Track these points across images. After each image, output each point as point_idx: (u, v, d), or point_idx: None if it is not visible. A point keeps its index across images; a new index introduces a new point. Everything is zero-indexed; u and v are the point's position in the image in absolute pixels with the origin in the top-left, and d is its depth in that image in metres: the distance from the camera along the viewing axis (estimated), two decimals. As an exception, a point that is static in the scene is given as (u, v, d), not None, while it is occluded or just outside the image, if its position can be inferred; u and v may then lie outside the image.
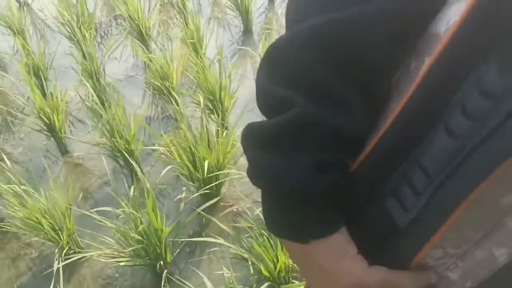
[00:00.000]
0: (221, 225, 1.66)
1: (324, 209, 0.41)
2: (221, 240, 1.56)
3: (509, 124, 0.30)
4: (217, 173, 1.82)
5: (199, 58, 2.34)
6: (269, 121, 0.39)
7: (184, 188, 1.94)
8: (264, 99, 0.41)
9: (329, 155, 0.39)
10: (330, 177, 0.39)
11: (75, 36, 2.81)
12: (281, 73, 0.39)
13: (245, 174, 1.88)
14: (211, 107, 2.21)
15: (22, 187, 1.72)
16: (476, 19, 0.32)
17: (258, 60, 2.65)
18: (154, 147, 2.13)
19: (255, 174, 0.41)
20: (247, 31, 2.96)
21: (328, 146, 0.38)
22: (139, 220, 1.59)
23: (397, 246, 0.41)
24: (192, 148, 1.81)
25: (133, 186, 1.77)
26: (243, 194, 1.94)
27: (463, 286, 0.40)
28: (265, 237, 1.52)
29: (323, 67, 0.37)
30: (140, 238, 1.57)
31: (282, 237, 0.44)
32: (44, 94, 2.36)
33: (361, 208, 0.42)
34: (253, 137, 0.41)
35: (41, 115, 2.16)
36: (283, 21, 3.04)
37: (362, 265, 0.42)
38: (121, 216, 1.67)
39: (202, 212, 1.76)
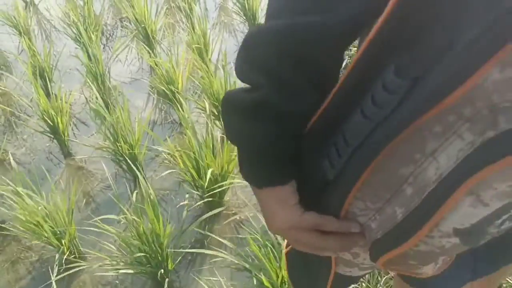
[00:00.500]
0: (222, 240, 1.64)
1: (275, 165, 0.53)
2: (222, 253, 1.54)
3: (399, 111, 0.42)
4: (222, 183, 1.80)
5: (204, 63, 2.33)
6: (243, 95, 0.49)
7: (187, 195, 1.92)
8: (241, 76, 0.51)
9: (281, 127, 0.50)
10: (282, 143, 0.51)
11: (81, 38, 2.80)
12: (253, 59, 0.49)
13: (247, 187, 1.87)
14: (216, 113, 2.19)
15: (23, 190, 1.70)
16: (391, 23, 0.41)
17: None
18: (157, 152, 2.11)
19: (230, 134, 0.53)
20: (253, 37, 2.95)
21: (281, 122, 0.50)
22: (141, 227, 1.57)
23: (328, 196, 0.53)
24: (196, 155, 1.79)
25: (135, 192, 1.76)
26: (247, 202, 1.93)
27: (376, 235, 0.52)
28: (268, 248, 1.50)
29: (284, 62, 0.46)
30: (141, 245, 1.56)
31: (247, 181, 0.57)
32: (48, 95, 2.35)
33: (304, 164, 0.54)
34: (230, 104, 0.51)
35: (44, 116, 2.15)
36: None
37: (298, 212, 0.54)
38: (122, 222, 1.65)
39: (204, 216, 1.75)
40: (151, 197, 1.65)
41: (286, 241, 0.87)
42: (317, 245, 0.57)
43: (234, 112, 0.51)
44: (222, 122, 2.19)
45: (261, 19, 3.03)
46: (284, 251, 0.87)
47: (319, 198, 0.54)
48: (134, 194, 1.74)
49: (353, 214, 0.53)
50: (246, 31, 2.98)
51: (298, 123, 0.51)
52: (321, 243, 0.56)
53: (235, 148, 1.94)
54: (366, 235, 0.54)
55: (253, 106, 0.49)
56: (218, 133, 1.94)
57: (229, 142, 1.81)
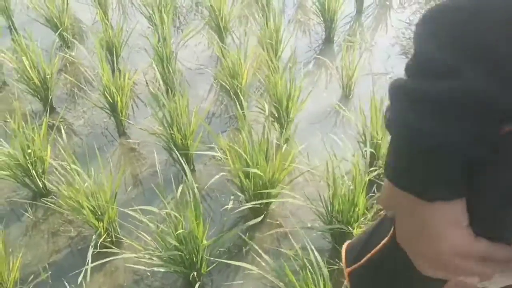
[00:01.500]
0: (261, 251, 1.54)
1: (458, 175, 0.46)
2: (255, 269, 1.44)
3: None
4: (270, 191, 1.70)
5: (272, 61, 2.22)
6: (426, 84, 0.44)
7: (232, 197, 1.84)
8: (425, 61, 0.44)
9: (486, 128, 0.42)
10: (478, 148, 0.44)
11: (154, 18, 2.78)
12: (452, 41, 0.42)
13: (298, 195, 1.77)
14: (276, 115, 2.09)
15: (72, 166, 1.68)
16: None
17: (334, 72, 2.50)
18: (211, 146, 2.04)
19: (397, 123, 0.47)
20: (328, 40, 2.81)
21: (486, 121, 0.42)
22: (180, 225, 1.51)
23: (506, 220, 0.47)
24: (248, 157, 1.70)
25: (180, 186, 1.69)
26: (292, 215, 1.82)
27: None
28: (308, 270, 1.39)
29: (507, 43, 0.39)
30: (177, 244, 1.49)
31: (404, 188, 0.49)
32: (113, 72, 2.34)
33: (480, 179, 0.47)
34: (409, 95, 0.45)
35: (105, 93, 2.14)
36: (367, 35, 2.86)
37: (470, 237, 0.48)
38: (163, 215, 1.59)
39: (247, 223, 1.66)
40: (195, 196, 1.58)
41: (344, 257, 0.85)
42: (476, 272, 0.51)
43: (411, 102, 0.45)
44: (280, 128, 2.10)
45: (339, 21, 2.88)
46: (346, 270, 0.84)
47: (490, 223, 0.49)
48: (180, 188, 1.67)
49: None
50: (322, 32, 2.85)
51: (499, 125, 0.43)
52: (481, 270, 0.51)
53: (290, 157, 1.85)
54: None
55: (447, 98, 0.42)
56: (274, 137, 1.84)
57: (285, 152, 1.72)
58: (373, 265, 0.81)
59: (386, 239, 0.74)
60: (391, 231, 0.71)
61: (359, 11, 3.09)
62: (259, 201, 1.68)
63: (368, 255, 0.80)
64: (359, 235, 0.95)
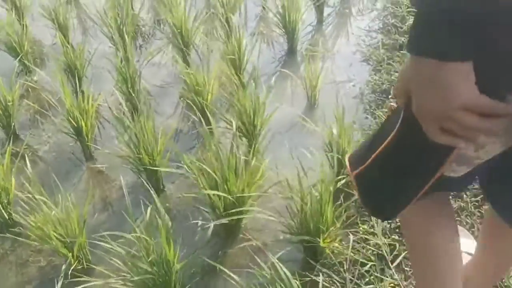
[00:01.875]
0: (233, 269, 1.54)
1: (470, 39, 0.59)
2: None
3: None
4: (239, 209, 1.71)
5: (236, 76, 2.24)
6: None
7: (202, 216, 1.83)
8: None
9: None
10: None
11: (117, 37, 2.77)
12: None
13: (269, 209, 1.78)
14: (243, 130, 2.10)
15: (38, 197, 1.66)
16: None
17: (298, 83, 2.53)
18: (179, 165, 2.04)
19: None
20: (291, 50, 2.84)
21: None
22: (151, 247, 1.50)
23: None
24: (217, 174, 1.71)
25: (149, 208, 1.68)
26: (264, 229, 1.83)
27: None
28: (279, 285, 1.40)
29: None
30: (149, 268, 1.48)
31: (426, 53, 0.62)
32: (77, 94, 2.32)
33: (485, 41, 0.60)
34: None
35: (69, 117, 2.11)
36: (329, 44, 2.91)
37: (476, 91, 0.62)
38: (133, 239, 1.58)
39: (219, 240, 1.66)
40: (165, 217, 1.57)
41: (348, 165, 1.00)
42: (477, 126, 0.64)
43: None
44: (248, 141, 2.11)
45: (301, 31, 2.92)
46: (352, 174, 0.97)
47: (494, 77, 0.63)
48: (148, 210, 1.66)
49: None
50: (285, 43, 2.89)
51: None
52: (483, 125, 0.64)
53: (260, 170, 1.86)
54: None
55: None
56: (242, 152, 1.85)
57: (253, 166, 1.74)
58: (379, 163, 0.92)
59: (391, 135, 0.86)
60: (398, 125, 0.84)
61: (320, 20, 3.14)
62: (229, 218, 1.68)
63: (373, 156, 0.92)
64: (361, 144, 1.08)
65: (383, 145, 0.89)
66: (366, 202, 1.03)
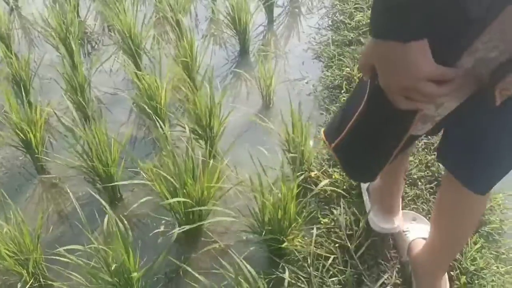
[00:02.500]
0: (197, 272, 1.52)
1: (425, 18, 0.68)
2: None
3: None
4: (201, 208, 1.69)
5: (190, 78, 2.22)
6: None
7: (163, 221, 1.80)
8: None
9: None
10: None
11: (63, 45, 2.68)
12: None
13: (230, 210, 1.77)
14: (199, 132, 2.08)
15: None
16: None
17: (252, 83, 2.54)
18: (135, 172, 1.99)
19: None
20: (243, 51, 2.84)
21: None
22: (109, 258, 1.46)
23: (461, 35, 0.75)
24: (174, 179, 1.68)
25: (107, 217, 1.63)
26: (227, 230, 1.81)
27: (499, 59, 0.75)
28: (244, 286, 1.39)
29: None
30: (110, 278, 1.44)
31: (388, 37, 0.72)
32: (24, 105, 2.22)
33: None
34: None
35: (17, 130, 2.03)
36: (280, 43, 2.93)
37: (434, 64, 0.73)
38: (91, 251, 1.53)
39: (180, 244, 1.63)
40: (123, 225, 1.53)
41: (325, 138, 1.17)
42: (436, 93, 0.75)
43: None
44: (205, 145, 2.09)
45: (252, 32, 2.93)
46: (330, 147, 1.11)
47: (447, 44, 0.76)
48: (105, 220, 1.61)
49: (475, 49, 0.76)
50: (236, 44, 2.89)
51: None
52: (441, 91, 0.76)
53: (217, 172, 1.84)
54: (480, 71, 0.78)
55: None
56: (200, 154, 1.83)
57: (212, 168, 1.72)
58: (355, 133, 1.04)
59: (361, 106, 0.98)
60: (366, 97, 0.95)
61: (270, 20, 3.16)
62: (190, 225, 1.66)
63: (347, 127, 1.04)
64: (332, 117, 1.25)
65: (355, 116, 1.01)
66: (348, 170, 1.18)
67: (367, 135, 1.02)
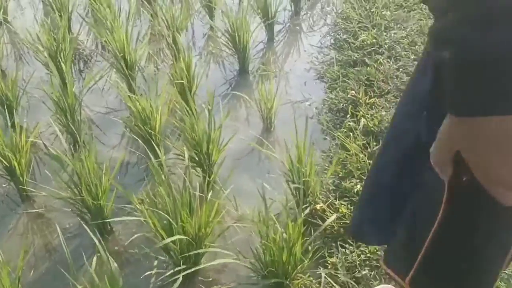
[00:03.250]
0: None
1: None
2: None
3: None
4: (199, 251, 1.54)
5: (187, 101, 2.09)
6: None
7: (155, 262, 1.65)
8: None
9: None
10: None
11: (53, 63, 2.54)
12: None
13: (229, 248, 1.63)
14: (197, 159, 1.95)
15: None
16: None
17: (252, 104, 2.41)
18: (127, 202, 1.85)
19: (461, 48, 0.53)
20: (243, 71, 2.72)
21: None
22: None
23: None
24: (170, 214, 1.54)
25: (95, 257, 1.48)
26: (226, 269, 1.67)
27: None
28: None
29: None
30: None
31: (489, 111, 0.54)
32: (9, 129, 2.08)
33: None
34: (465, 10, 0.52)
35: (0, 157, 1.88)
36: (281, 63, 2.82)
37: None
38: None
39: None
40: (112, 265, 1.39)
41: (392, 272, 0.86)
42: None
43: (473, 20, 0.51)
44: (203, 173, 1.96)
45: (252, 50, 2.81)
46: (406, 281, 0.81)
47: None
48: (94, 260, 1.46)
49: None
50: (236, 63, 2.76)
51: None
52: None
53: (215, 206, 1.71)
54: None
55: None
56: (197, 184, 1.69)
57: (210, 202, 1.58)
58: (438, 255, 0.76)
59: (439, 218, 0.71)
60: (445, 203, 0.69)
61: (270, 38, 3.05)
62: (187, 270, 1.51)
63: (424, 250, 0.76)
64: (391, 244, 0.90)
65: (431, 234, 0.74)
66: None
67: (459, 252, 0.77)
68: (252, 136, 2.24)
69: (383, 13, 3.02)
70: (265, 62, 2.83)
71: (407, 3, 3.17)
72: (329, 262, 1.62)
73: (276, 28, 3.11)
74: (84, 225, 1.81)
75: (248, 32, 2.61)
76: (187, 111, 1.96)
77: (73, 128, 2.13)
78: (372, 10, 3.07)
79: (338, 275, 1.55)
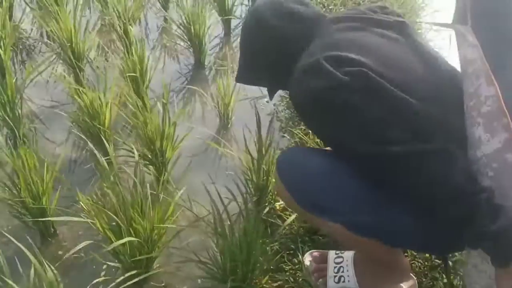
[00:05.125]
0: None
1: None
2: None
3: None
4: (151, 255, 1.43)
5: (139, 95, 1.97)
6: None
7: (104, 267, 1.53)
8: None
9: None
10: None
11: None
12: None
13: (184, 250, 1.53)
14: (149, 157, 1.83)
15: None
16: None
17: (209, 100, 2.31)
18: (73, 203, 1.71)
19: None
20: (198, 65, 2.61)
21: None
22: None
23: None
24: (119, 215, 1.42)
25: (32, 266, 1.33)
26: (180, 272, 1.56)
27: None
28: None
29: None
30: None
31: None
32: None
33: None
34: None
35: None
36: (237, 58, 2.72)
37: None
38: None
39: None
40: (54, 274, 1.26)
41: None
42: None
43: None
44: (154, 168, 1.84)
45: (208, 44, 2.71)
46: None
47: None
48: (32, 270, 1.32)
49: None
50: (191, 57, 2.66)
51: None
52: None
53: (170, 206, 1.60)
54: None
55: None
56: (149, 184, 1.58)
57: (163, 202, 1.48)
58: None
59: None
60: None
61: (227, 32, 2.96)
62: (137, 277, 1.40)
63: None
64: None
65: None
66: None
67: None
68: (208, 133, 2.14)
69: (341, 10, 3.00)
70: (222, 57, 2.73)
71: (364, 1, 3.17)
72: (289, 264, 1.54)
73: (234, 22, 3.03)
74: (23, 226, 1.67)
75: (204, 25, 2.51)
76: (139, 106, 1.84)
77: (10, 122, 1.95)
78: (330, 7, 3.05)
79: (299, 277, 1.49)
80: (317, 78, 1.00)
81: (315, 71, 1.01)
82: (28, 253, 1.25)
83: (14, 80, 2.08)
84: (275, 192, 1.64)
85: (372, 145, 0.97)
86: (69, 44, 2.34)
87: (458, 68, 1.09)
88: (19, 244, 1.32)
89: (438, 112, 1.00)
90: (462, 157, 0.96)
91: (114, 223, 1.43)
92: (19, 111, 2.08)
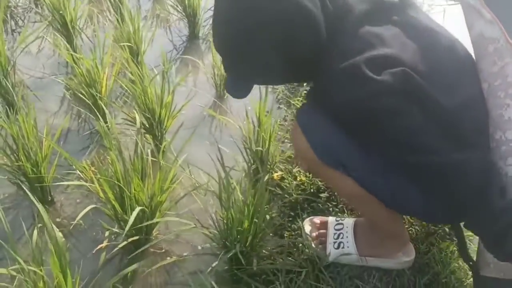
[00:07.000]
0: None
1: None
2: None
3: None
4: (149, 222, 1.44)
5: (137, 64, 1.94)
6: None
7: (107, 233, 1.53)
8: None
9: None
10: None
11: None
12: None
13: (184, 216, 1.54)
14: (148, 126, 1.82)
15: None
16: None
17: (204, 71, 2.29)
18: (69, 171, 1.70)
19: None
20: (193, 36, 2.58)
21: None
22: (41, 280, 1.18)
23: None
24: (120, 181, 1.41)
25: (36, 229, 1.33)
26: (179, 239, 1.57)
27: None
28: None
29: None
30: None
31: None
32: None
33: None
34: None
35: None
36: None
37: None
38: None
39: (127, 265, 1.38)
40: (58, 237, 1.25)
41: None
42: None
43: None
44: (152, 137, 1.83)
45: (203, 14, 2.67)
46: None
47: None
48: (35, 233, 1.32)
49: None
50: (186, 28, 2.62)
51: None
52: None
53: (171, 172, 1.60)
54: None
55: None
56: (149, 152, 1.57)
57: (163, 169, 1.48)
58: None
59: None
60: None
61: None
62: (139, 230, 1.41)
63: None
64: None
65: None
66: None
67: None
68: (205, 102, 2.13)
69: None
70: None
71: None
72: (289, 229, 1.56)
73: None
74: (20, 193, 1.66)
75: (199, -4, 2.48)
76: (137, 74, 1.82)
77: (7, 89, 1.92)
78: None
79: (298, 242, 1.51)
80: (360, 86, 1.00)
81: (358, 78, 1.00)
82: (41, 210, 1.24)
83: (5, 48, 2.03)
84: (291, 139, 1.59)
85: (411, 154, 1.00)
86: (61, 12, 2.29)
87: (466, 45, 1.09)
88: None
89: (461, 107, 1.01)
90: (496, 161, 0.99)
91: (115, 190, 1.42)
92: (13, 79, 2.04)
